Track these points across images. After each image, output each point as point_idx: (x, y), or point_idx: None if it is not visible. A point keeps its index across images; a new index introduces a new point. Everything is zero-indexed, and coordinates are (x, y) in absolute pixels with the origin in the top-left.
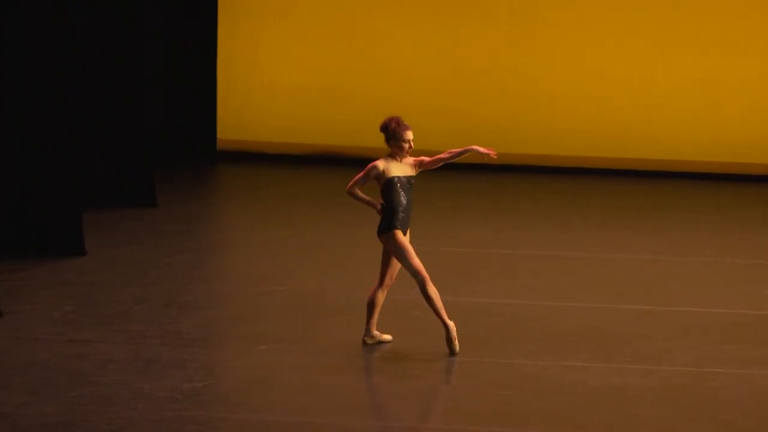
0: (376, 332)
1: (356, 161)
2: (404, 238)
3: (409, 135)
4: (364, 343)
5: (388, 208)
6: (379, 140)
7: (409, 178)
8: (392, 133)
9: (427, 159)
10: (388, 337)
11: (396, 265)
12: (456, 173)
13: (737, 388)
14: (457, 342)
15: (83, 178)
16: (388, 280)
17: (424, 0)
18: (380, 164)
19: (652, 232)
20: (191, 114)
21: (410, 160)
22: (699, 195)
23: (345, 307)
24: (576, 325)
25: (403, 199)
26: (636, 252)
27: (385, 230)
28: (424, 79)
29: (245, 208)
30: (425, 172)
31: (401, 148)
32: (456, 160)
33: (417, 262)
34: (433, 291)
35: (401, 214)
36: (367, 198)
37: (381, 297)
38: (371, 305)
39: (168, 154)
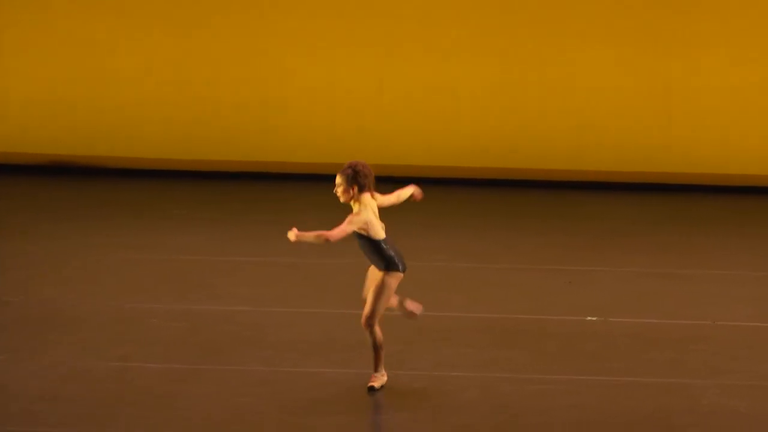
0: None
1: (86, 170)
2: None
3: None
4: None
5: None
6: (109, 148)
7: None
8: None
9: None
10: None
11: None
12: (185, 180)
13: (472, 392)
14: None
15: None
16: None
17: (151, 11)
18: None
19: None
20: None
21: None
22: (432, 200)
23: (81, 318)
24: (314, 331)
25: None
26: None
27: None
28: (152, 89)
29: None
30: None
31: None
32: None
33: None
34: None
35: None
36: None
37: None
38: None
39: None
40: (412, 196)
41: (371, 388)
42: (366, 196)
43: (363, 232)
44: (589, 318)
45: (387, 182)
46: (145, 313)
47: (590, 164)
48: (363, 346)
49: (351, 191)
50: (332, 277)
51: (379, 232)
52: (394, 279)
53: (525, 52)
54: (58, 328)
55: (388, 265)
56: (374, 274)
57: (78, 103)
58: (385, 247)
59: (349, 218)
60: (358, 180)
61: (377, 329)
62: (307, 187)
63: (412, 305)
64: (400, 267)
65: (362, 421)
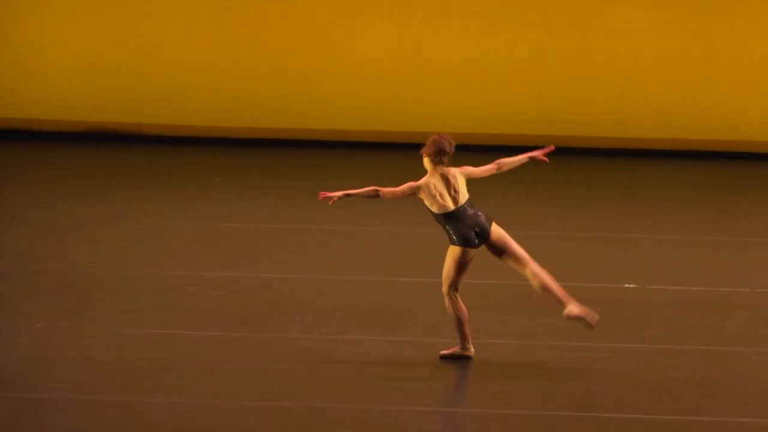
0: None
1: (128, 137)
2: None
3: None
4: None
5: None
6: (153, 116)
7: None
8: None
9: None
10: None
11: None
12: (229, 148)
13: (511, 359)
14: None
15: None
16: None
17: None
18: None
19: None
20: None
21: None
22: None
23: (122, 286)
24: (353, 299)
25: None
26: (414, 226)
27: None
28: (196, 56)
29: (21, 186)
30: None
31: None
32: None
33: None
34: (447, 303)
35: None
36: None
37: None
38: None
39: None
40: (533, 158)
41: (442, 356)
42: (437, 170)
43: (420, 197)
44: (626, 285)
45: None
46: (186, 280)
47: (632, 131)
48: (406, 314)
49: (426, 158)
50: (376, 244)
51: (432, 205)
52: (453, 252)
53: (565, 19)
54: (98, 295)
55: (449, 237)
56: None
57: (120, 70)
58: (443, 220)
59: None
60: (432, 152)
61: (452, 303)
62: (348, 155)
63: (578, 309)
64: (452, 240)
65: (400, 388)
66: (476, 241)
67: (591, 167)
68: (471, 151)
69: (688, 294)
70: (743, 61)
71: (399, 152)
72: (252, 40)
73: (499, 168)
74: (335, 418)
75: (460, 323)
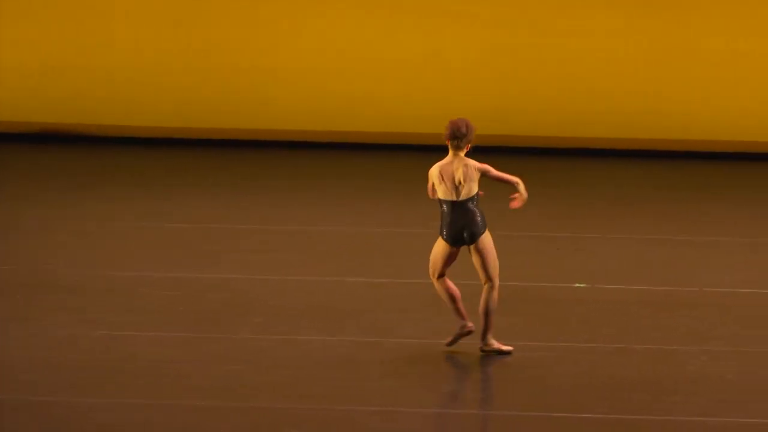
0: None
1: (79, 138)
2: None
3: None
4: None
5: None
6: (105, 117)
7: None
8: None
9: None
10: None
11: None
12: (182, 148)
13: (461, 360)
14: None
15: None
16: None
17: None
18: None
19: (378, 205)
20: None
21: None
22: (422, 167)
23: (73, 285)
24: (304, 299)
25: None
26: (363, 225)
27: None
28: (148, 56)
29: None
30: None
31: None
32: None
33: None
34: (437, 287)
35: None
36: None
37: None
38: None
39: None
40: (516, 193)
41: (448, 344)
42: (455, 156)
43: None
44: (576, 284)
45: (381, 149)
46: (137, 281)
47: (584, 131)
48: (357, 314)
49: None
50: (327, 245)
51: (437, 188)
52: (439, 243)
53: (519, 18)
54: (47, 296)
55: (440, 226)
56: None
57: (72, 71)
58: (441, 208)
59: None
60: (447, 134)
61: (441, 285)
62: (301, 155)
63: (497, 344)
64: (442, 233)
65: (351, 388)
66: (460, 242)
67: (541, 167)
68: (426, 151)
69: (637, 293)
70: (695, 62)
71: (348, 152)
72: (204, 40)
73: (516, 183)
74: (285, 418)
75: (453, 301)
